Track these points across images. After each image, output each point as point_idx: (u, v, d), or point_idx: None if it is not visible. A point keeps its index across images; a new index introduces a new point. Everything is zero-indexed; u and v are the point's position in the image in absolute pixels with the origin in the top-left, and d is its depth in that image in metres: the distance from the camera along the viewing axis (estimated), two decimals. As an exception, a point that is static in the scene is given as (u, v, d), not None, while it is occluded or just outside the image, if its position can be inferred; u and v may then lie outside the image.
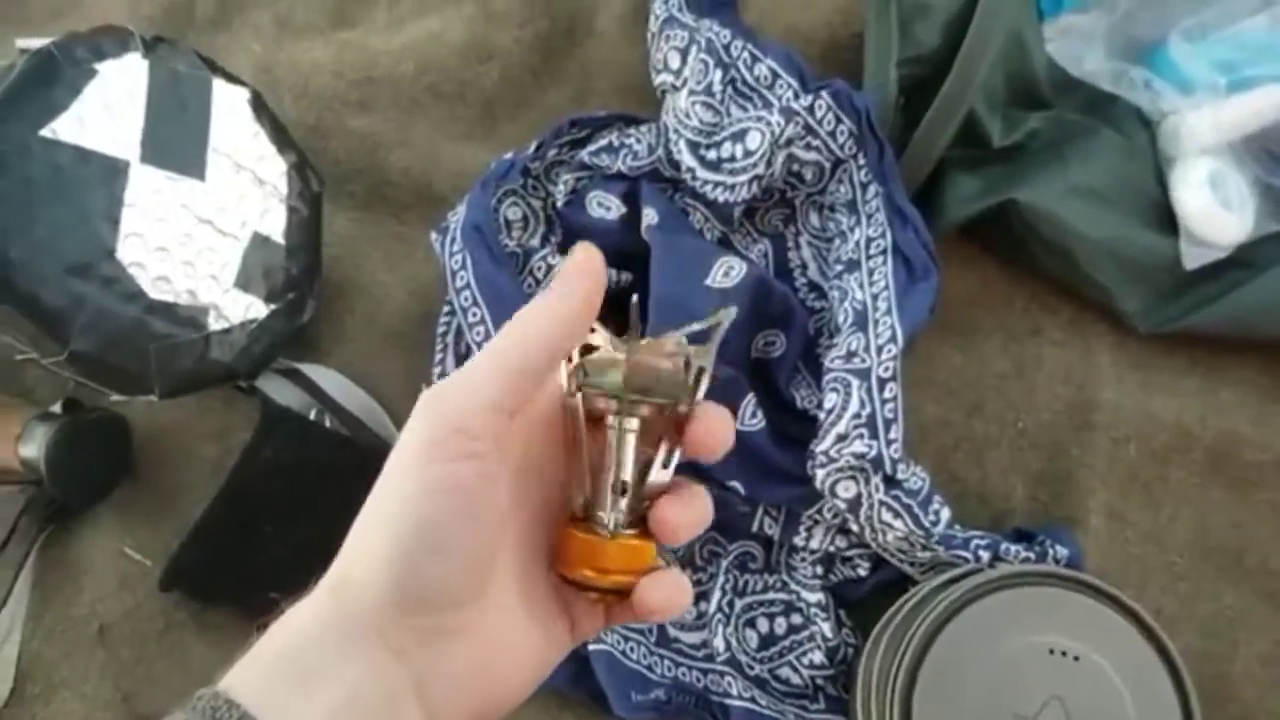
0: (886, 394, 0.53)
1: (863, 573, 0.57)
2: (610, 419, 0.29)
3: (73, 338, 0.51)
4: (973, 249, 0.64)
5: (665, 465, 0.29)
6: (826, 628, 0.56)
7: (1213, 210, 0.62)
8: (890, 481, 0.53)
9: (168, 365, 0.53)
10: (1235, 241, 0.62)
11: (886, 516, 0.53)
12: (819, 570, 0.57)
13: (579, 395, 0.29)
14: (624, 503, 0.29)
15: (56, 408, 0.60)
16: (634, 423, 0.29)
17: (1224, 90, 0.63)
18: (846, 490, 0.53)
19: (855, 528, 0.55)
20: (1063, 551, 0.54)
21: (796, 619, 0.57)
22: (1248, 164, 0.64)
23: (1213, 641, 0.58)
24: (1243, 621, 0.58)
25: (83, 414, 0.59)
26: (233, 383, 0.58)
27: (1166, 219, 0.63)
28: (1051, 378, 0.61)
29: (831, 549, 0.57)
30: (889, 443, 0.52)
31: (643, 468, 0.29)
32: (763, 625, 0.58)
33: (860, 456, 0.51)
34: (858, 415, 0.52)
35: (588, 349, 0.29)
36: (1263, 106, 0.63)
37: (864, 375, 0.53)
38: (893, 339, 0.54)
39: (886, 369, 0.53)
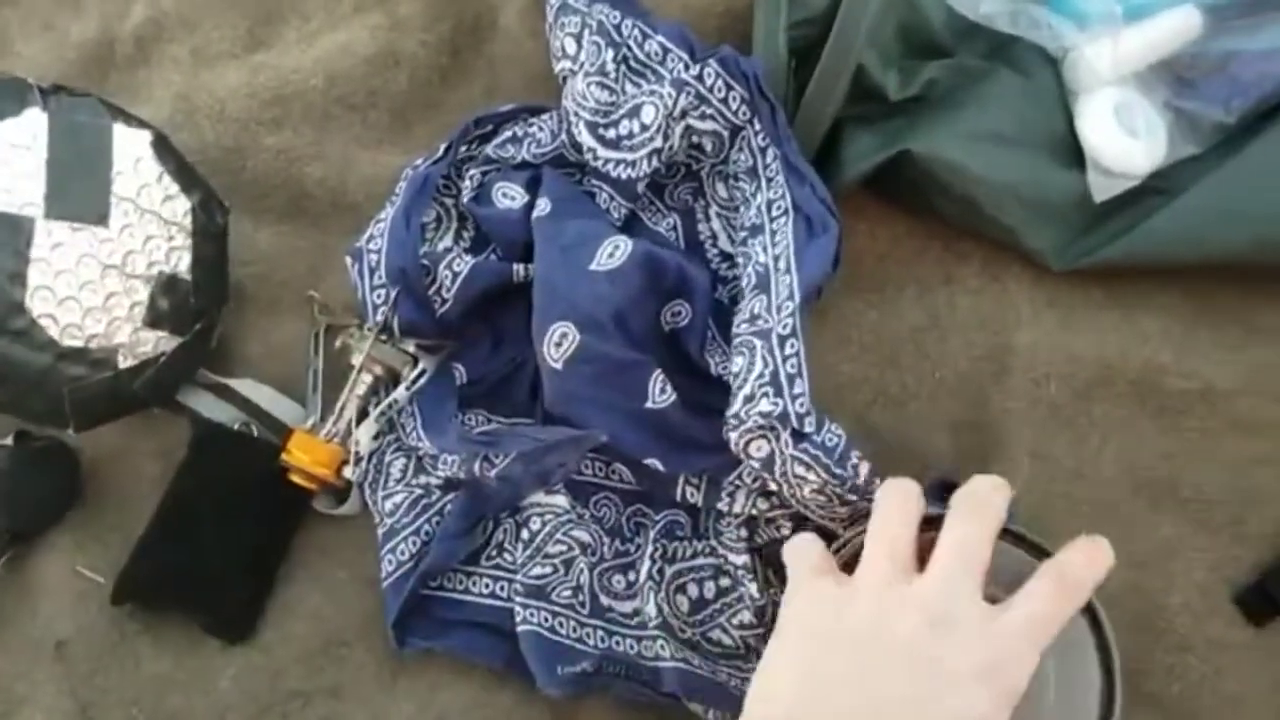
0: (788, 350, 0.53)
1: (786, 532, 0.58)
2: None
3: None
4: (881, 205, 0.64)
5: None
6: (753, 588, 0.57)
7: (1119, 140, 0.61)
8: (799, 436, 0.53)
9: (81, 405, 0.56)
10: (1146, 169, 0.61)
11: (800, 470, 0.53)
12: (744, 533, 0.58)
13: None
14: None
15: (8, 440, 0.63)
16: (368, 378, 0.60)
17: (1120, 20, 0.63)
18: (759, 450, 0.53)
19: (774, 486, 0.55)
20: None
21: (725, 582, 0.58)
22: (1155, 89, 0.63)
23: (1148, 574, 0.58)
24: (1179, 551, 0.58)
25: (29, 444, 0.62)
26: (146, 410, 0.60)
27: (1075, 155, 0.62)
28: (967, 325, 0.62)
29: (754, 511, 0.58)
30: (794, 398, 0.52)
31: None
32: (693, 590, 0.58)
33: (767, 415, 0.52)
34: (761, 375, 0.53)
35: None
36: (1161, 35, 0.62)
37: (765, 335, 0.54)
38: (790, 296, 0.54)
39: (785, 325, 0.53)
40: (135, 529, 0.61)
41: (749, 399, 0.53)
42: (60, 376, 0.55)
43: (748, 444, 0.53)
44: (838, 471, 0.53)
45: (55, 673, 0.60)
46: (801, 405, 0.52)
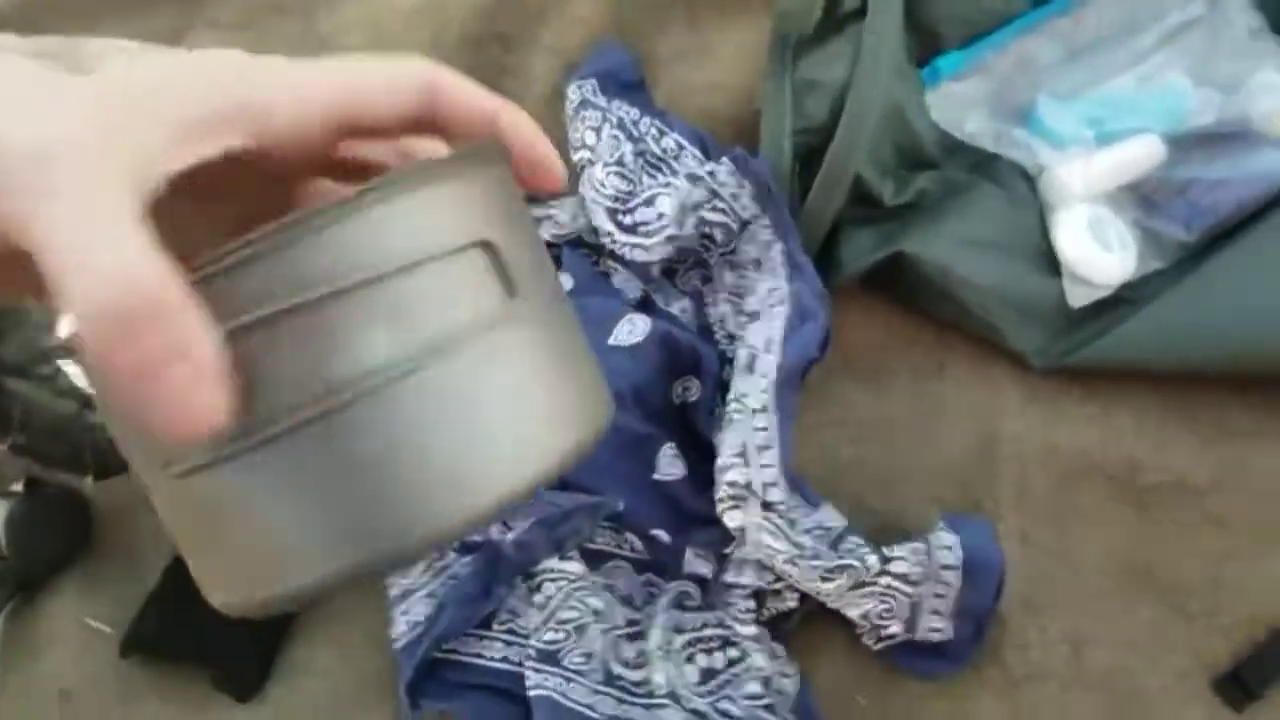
0: (759, 423, 0.56)
1: (791, 605, 0.59)
2: None
3: (11, 433, 0.54)
4: (877, 300, 0.68)
5: None
6: (760, 659, 0.58)
7: (1093, 254, 0.66)
8: (766, 506, 0.55)
9: (101, 452, 0.56)
10: (1117, 281, 0.67)
11: (767, 540, 0.55)
12: (751, 605, 0.60)
13: None
14: None
15: (19, 486, 0.62)
16: None
17: (1092, 143, 0.69)
18: (733, 520, 0.56)
19: (759, 556, 0.57)
20: (949, 538, 0.56)
21: (734, 652, 0.59)
22: (1125, 208, 0.69)
23: (1131, 658, 0.60)
24: (1158, 638, 0.60)
25: (41, 491, 0.62)
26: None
27: (1053, 262, 0.67)
28: (957, 414, 0.65)
29: (761, 584, 0.59)
30: (761, 468, 0.55)
31: None
32: (702, 660, 0.59)
33: (734, 484, 0.55)
34: (733, 447, 0.55)
35: None
36: (1129, 158, 0.68)
37: (743, 411, 0.56)
38: (766, 375, 0.57)
39: (759, 401, 0.56)
40: (146, 581, 0.61)
41: (722, 470, 0.55)
42: (83, 423, 0.55)
43: (723, 514, 0.55)
44: (794, 538, 0.54)
45: (56, 724, 0.58)
46: (768, 475, 0.55)
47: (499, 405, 0.21)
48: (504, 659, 0.59)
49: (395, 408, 0.20)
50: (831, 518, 0.59)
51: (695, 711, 0.57)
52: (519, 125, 0.25)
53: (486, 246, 0.22)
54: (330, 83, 0.22)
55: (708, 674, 0.58)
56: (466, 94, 0.24)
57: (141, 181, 0.19)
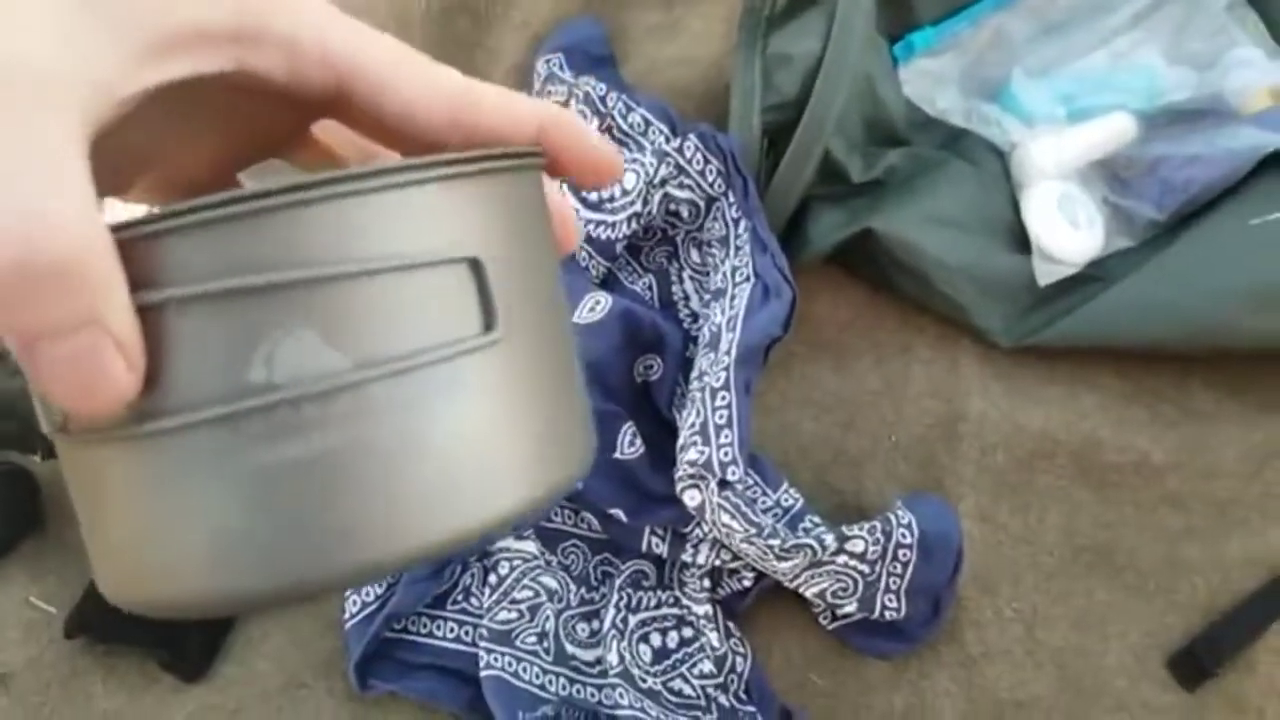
0: (718, 401, 0.56)
1: (747, 584, 0.60)
2: None
3: None
4: (844, 278, 0.68)
5: None
6: (714, 638, 0.58)
7: (1062, 230, 0.66)
8: (724, 485, 0.55)
9: None
10: (1086, 258, 0.66)
11: (725, 519, 0.55)
12: (707, 584, 0.60)
13: None
14: None
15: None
16: None
17: (1064, 119, 0.68)
18: (692, 499, 0.56)
19: (717, 535, 0.57)
20: (906, 517, 0.57)
21: (688, 632, 0.59)
22: (1095, 185, 0.69)
23: (1086, 636, 0.60)
24: (1114, 616, 0.61)
25: (-12, 469, 0.61)
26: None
27: (1021, 240, 0.67)
28: (921, 392, 0.65)
29: (717, 562, 0.59)
30: (719, 447, 0.55)
31: None
32: (656, 640, 0.60)
33: (693, 463, 0.55)
34: (693, 425, 0.56)
35: None
36: (1101, 137, 0.68)
37: (704, 390, 0.56)
38: (728, 352, 0.57)
39: (718, 379, 0.56)
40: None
41: (682, 449, 0.55)
42: (31, 401, 0.55)
43: (682, 493, 0.56)
44: (754, 518, 0.55)
45: (0, 706, 0.58)
46: (726, 454, 0.55)
47: (447, 445, 0.19)
48: (457, 639, 0.60)
49: (320, 425, 0.18)
50: (790, 497, 0.59)
51: (648, 691, 0.57)
52: (564, 127, 0.22)
53: (473, 265, 0.19)
54: (344, 43, 0.19)
55: (661, 653, 0.59)
56: (503, 111, 0.21)
57: (94, 104, 0.16)
